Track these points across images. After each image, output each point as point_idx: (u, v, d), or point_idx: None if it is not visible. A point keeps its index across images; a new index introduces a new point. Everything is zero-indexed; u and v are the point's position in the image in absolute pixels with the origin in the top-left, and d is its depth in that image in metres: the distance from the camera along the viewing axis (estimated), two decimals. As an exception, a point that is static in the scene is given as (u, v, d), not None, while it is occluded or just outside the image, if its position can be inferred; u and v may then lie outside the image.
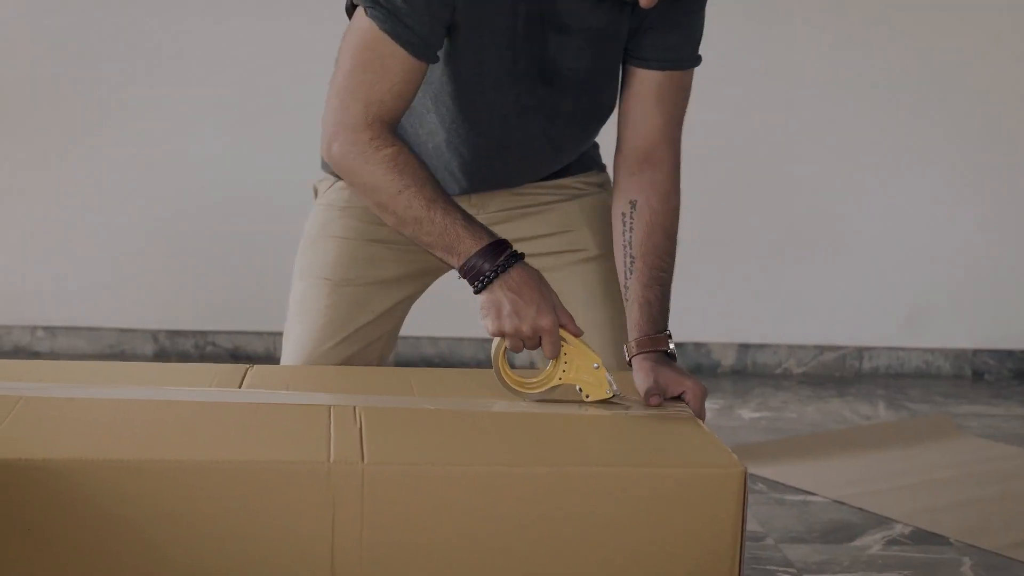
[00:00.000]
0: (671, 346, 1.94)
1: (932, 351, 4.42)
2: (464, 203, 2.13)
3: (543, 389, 1.81)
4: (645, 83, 2.01)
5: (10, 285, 4.25)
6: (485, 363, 4.20)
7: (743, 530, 1.55)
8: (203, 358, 4.25)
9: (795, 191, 4.33)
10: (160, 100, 4.13)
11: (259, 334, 4.26)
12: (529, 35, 1.94)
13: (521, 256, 1.84)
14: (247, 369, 1.93)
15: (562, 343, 1.80)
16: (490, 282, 1.81)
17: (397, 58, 1.87)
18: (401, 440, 1.61)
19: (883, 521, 2.89)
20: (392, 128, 1.89)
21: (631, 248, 2.01)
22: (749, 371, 4.38)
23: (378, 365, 2.18)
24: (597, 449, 1.63)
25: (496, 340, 1.82)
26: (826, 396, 4.10)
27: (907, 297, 4.39)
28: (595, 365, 1.79)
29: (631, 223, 2.02)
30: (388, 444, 1.58)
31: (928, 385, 4.28)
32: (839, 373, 4.38)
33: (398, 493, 1.50)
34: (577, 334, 1.81)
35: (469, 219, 1.86)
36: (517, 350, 1.81)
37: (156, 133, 4.14)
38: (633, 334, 1.94)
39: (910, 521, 2.88)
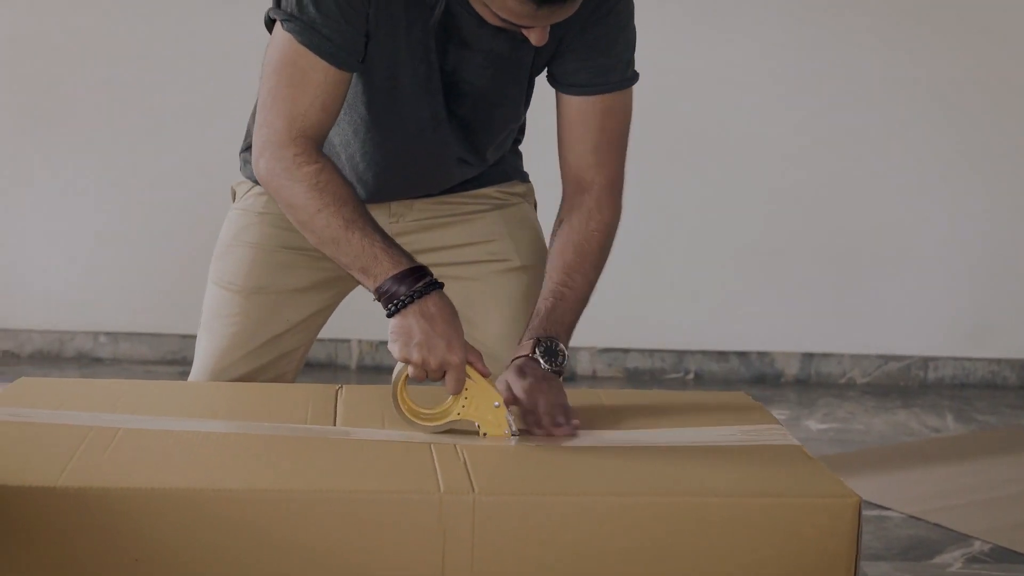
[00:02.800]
0: (537, 351, 1.87)
1: (998, 361, 4.37)
2: (383, 211, 2.12)
3: (440, 422, 1.76)
4: (570, 109, 1.99)
5: (73, 291, 4.26)
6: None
7: (857, 562, 1.53)
8: (264, 365, 4.24)
9: (860, 200, 4.30)
10: (221, 107, 4.13)
11: (320, 341, 4.25)
12: (437, 48, 1.92)
13: (440, 285, 1.81)
14: (337, 390, 1.92)
15: (467, 380, 1.76)
16: (404, 307, 1.77)
17: (318, 70, 1.84)
18: (508, 471, 1.60)
19: (961, 538, 2.86)
20: (317, 144, 1.87)
21: (548, 265, 2.00)
22: (812, 381, 4.34)
23: (291, 379, 2.15)
24: (706, 478, 1.60)
25: (399, 366, 1.78)
26: (892, 407, 4.06)
27: (972, 307, 4.35)
28: (496, 404, 1.75)
29: (552, 241, 2.02)
30: (496, 475, 1.57)
31: (995, 396, 4.23)
32: (903, 383, 4.34)
33: (509, 523, 1.49)
34: (485, 374, 1.77)
35: (389, 242, 1.82)
36: (419, 380, 1.77)
37: (218, 139, 4.14)
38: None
39: (989, 538, 2.85)
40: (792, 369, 4.35)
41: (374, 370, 4.28)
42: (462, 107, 1.99)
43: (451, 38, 1.91)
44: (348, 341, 4.29)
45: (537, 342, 1.88)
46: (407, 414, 1.77)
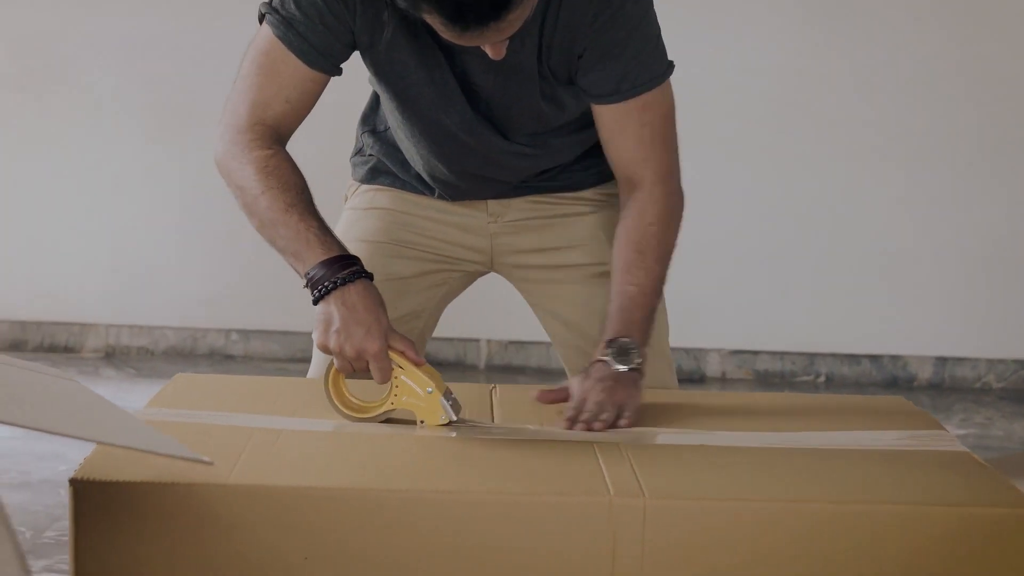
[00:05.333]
0: (608, 352, 1.85)
1: None
2: (481, 210, 2.13)
3: (372, 414, 1.75)
4: (605, 116, 1.96)
5: (205, 289, 4.31)
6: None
7: (1038, 576, 1.49)
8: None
9: (995, 201, 4.21)
10: (341, 112, 4.15)
11: (448, 340, 4.27)
12: (445, 54, 1.91)
13: (368, 276, 1.80)
14: (491, 390, 1.92)
15: (397, 368, 1.74)
16: (328, 293, 1.76)
17: (289, 64, 1.87)
18: (676, 474, 1.57)
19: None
20: (277, 134, 1.89)
21: (611, 268, 1.98)
22: (947, 385, 4.27)
23: None
24: (878, 485, 1.57)
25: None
26: (1031, 413, 3.98)
27: (1113, 311, 4.26)
28: (428, 390, 1.73)
29: (613, 242, 1.99)
30: (664, 478, 1.54)
31: None
32: (1041, 388, 4.26)
33: (679, 528, 1.47)
34: (417, 363, 1.75)
35: (325, 230, 1.83)
36: (344, 372, 1.76)
37: (338, 145, 4.16)
38: None
39: None
40: (925, 373, 4.28)
41: (503, 370, 4.27)
42: (482, 107, 1.98)
43: (455, 44, 1.88)
44: (477, 341, 4.29)
45: (608, 343, 1.86)
46: (339, 405, 1.76)
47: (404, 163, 2.14)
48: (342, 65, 1.93)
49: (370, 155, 2.19)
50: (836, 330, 4.28)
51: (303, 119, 1.94)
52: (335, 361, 1.77)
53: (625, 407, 1.78)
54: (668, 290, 2.17)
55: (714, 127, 4.11)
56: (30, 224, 4.31)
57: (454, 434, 1.71)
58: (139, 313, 4.33)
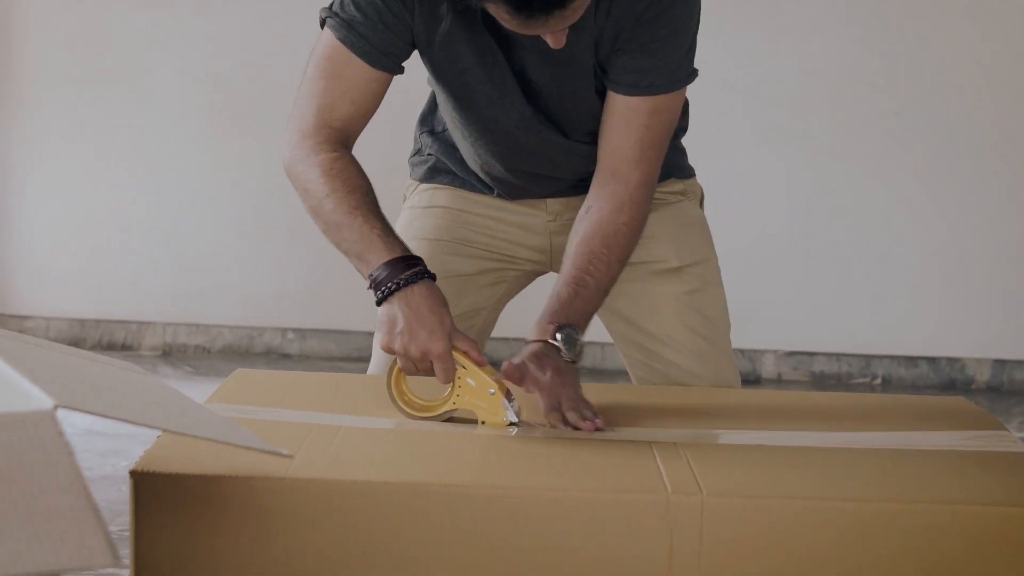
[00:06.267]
0: (557, 337, 1.83)
1: None
2: (540, 209, 2.14)
3: (434, 413, 1.75)
4: (615, 104, 1.95)
5: (262, 288, 4.33)
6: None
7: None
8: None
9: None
10: (400, 113, 4.16)
11: (506, 340, 4.26)
12: (503, 52, 1.91)
13: (432, 276, 1.79)
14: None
15: (460, 368, 1.74)
16: (390, 294, 1.77)
17: (352, 66, 1.89)
18: (734, 472, 1.57)
19: None
20: (342, 136, 1.90)
21: (570, 249, 1.95)
22: (1005, 388, 4.23)
23: None
24: (939, 484, 1.55)
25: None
26: (1092, 416, 3.94)
27: None
28: (491, 391, 1.73)
29: (576, 227, 1.97)
30: (722, 476, 1.54)
31: None
32: (1102, 392, 4.21)
33: (736, 526, 1.46)
34: (480, 363, 1.75)
35: (388, 231, 1.82)
36: (409, 372, 1.76)
37: (393, 145, 4.17)
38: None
39: None
40: (984, 376, 4.24)
41: (557, 370, 4.26)
42: (540, 104, 1.99)
43: (512, 41, 1.90)
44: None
45: (558, 328, 1.84)
46: (401, 404, 1.76)
47: (463, 162, 2.15)
48: (404, 64, 1.94)
49: (429, 155, 2.20)
50: (893, 332, 4.25)
51: (368, 120, 1.95)
52: (399, 361, 1.77)
53: (587, 402, 1.76)
54: (725, 290, 2.18)
55: (771, 128, 4.10)
56: (89, 222, 4.35)
57: (513, 432, 1.71)
58: (196, 311, 4.36)
